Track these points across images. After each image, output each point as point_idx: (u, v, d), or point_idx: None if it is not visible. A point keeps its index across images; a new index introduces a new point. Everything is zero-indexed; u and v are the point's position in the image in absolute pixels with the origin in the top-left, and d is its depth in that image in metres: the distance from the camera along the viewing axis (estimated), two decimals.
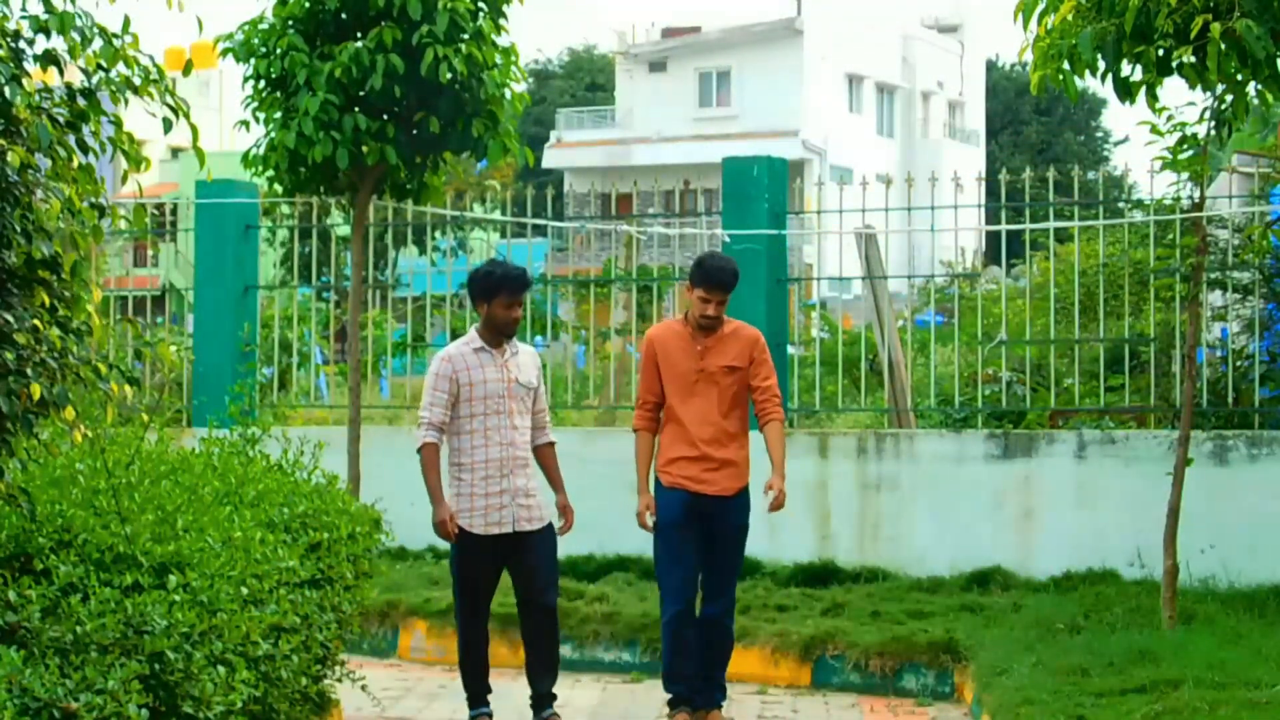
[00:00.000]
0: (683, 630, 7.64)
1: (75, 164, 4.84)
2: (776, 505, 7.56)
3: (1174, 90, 8.07)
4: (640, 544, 10.66)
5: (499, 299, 7.44)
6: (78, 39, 4.78)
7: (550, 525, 7.63)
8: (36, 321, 4.68)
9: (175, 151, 50.18)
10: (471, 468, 7.46)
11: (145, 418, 5.94)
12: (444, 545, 7.54)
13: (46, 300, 4.75)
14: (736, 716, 8.13)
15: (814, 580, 10.53)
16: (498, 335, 7.50)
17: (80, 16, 4.79)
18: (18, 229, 4.64)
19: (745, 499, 7.71)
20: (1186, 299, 9.32)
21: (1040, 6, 7.67)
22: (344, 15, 9.98)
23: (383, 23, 9.74)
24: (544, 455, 7.75)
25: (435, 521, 7.43)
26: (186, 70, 5.32)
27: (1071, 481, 10.61)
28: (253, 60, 10.10)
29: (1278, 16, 7.10)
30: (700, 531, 7.60)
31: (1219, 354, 11.35)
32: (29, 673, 4.05)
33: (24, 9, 4.84)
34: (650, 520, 7.66)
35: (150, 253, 23.95)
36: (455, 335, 13.21)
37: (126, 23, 4.92)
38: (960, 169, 13.34)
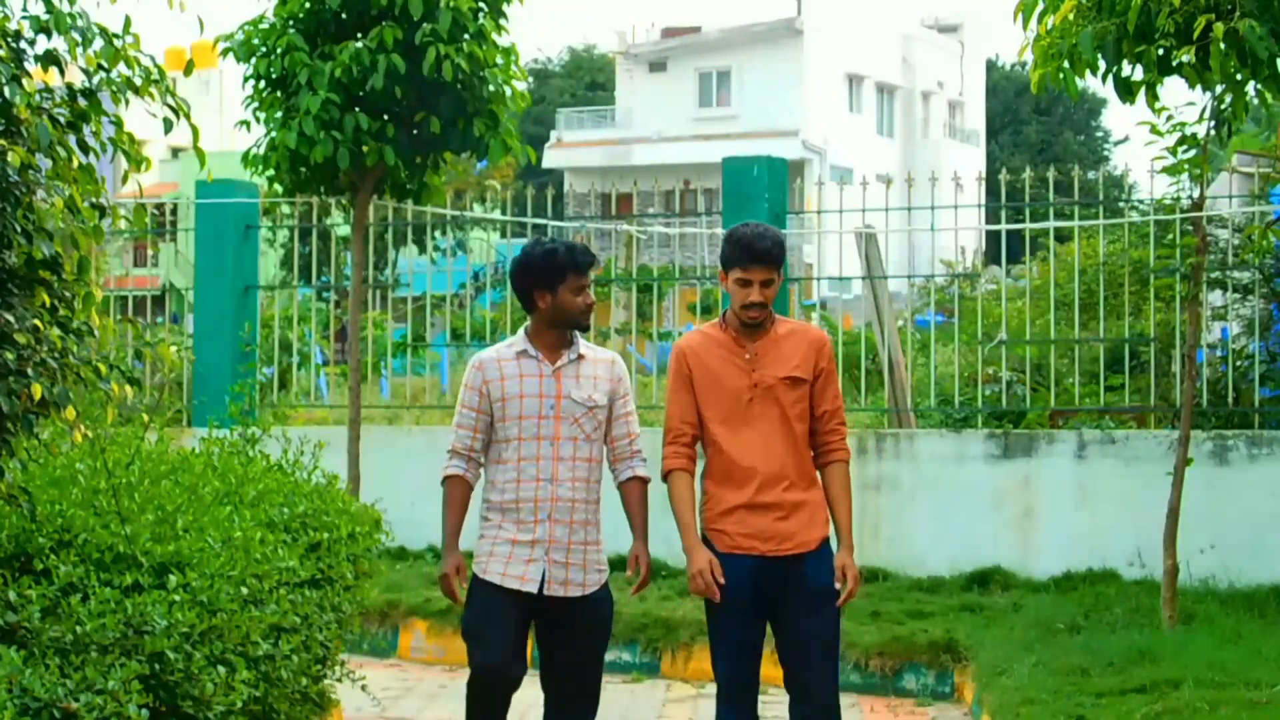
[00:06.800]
0: None
1: (75, 164, 4.84)
2: (848, 595, 5.61)
3: (1174, 90, 8.07)
4: None
5: (568, 283, 5.65)
6: (77, 39, 4.78)
7: (604, 595, 5.76)
8: (37, 321, 4.68)
9: (175, 151, 50.18)
10: (501, 508, 5.64)
11: (145, 418, 5.94)
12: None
13: (47, 300, 4.76)
14: None
15: None
16: (564, 332, 5.72)
17: (80, 17, 4.79)
18: (18, 229, 4.64)
19: (829, 553, 5.67)
20: (1186, 299, 9.32)
21: (1040, 6, 7.67)
22: (345, 15, 9.99)
23: (384, 22, 9.74)
24: (628, 494, 5.84)
25: (438, 574, 5.74)
26: (187, 70, 5.32)
27: (1071, 481, 10.61)
28: (253, 60, 10.11)
29: (1278, 17, 7.10)
30: (772, 606, 5.62)
31: (1219, 354, 11.36)
32: (29, 673, 4.05)
33: (24, 9, 4.84)
34: (715, 580, 5.53)
35: (150, 253, 23.94)
36: (455, 335, 13.22)
37: (127, 23, 4.92)
38: (960, 169, 13.34)
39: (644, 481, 5.84)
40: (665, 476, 5.73)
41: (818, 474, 5.74)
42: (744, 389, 5.64)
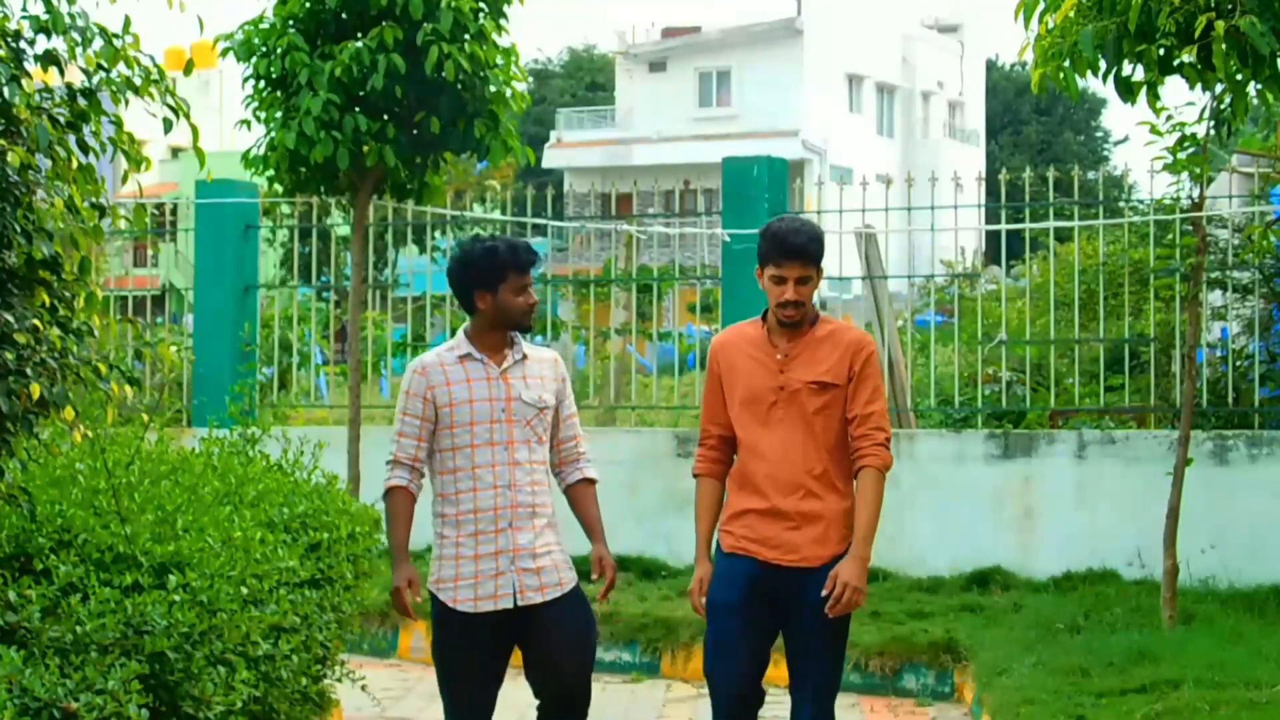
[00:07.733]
0: None
1: (75, 164, 4.83)
2: (839, 606, 5.21)
3: (1174, 90, 8.07)
4: (640, 543, 10.69)
5: (509, 282, 5.38)
6: (77, 39, 4.78)
7: (577, 591, 5.49)
8: (36, 321, 4.68)
9: (175, 151, 50.19)
10: (456, 521, 5.39)
11: (145, 418, 5.94)
12: None
13: (46, 300, 4.76)
14: None
15: None
16: (506, 333, 5.45)
17: (80, 17, 4.79)
18: (18, 229, 4.64)
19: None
20: (1186, 299, 9.31)
21: (1041, 6, 7.66)
22: (345, 15, 9.99)
23: (384, 22, 9.75)
24: (579, 496, 5.64)
25: (391, 588, 5.53)
26: (187, 70, 5.32)
27: (1071, 481, 10.60)
28: (253, 60, 10.12)
29: (1279, 15, 7.09)
30: (774, 617, 5.36)
31: (1219, 354, 11.36)
32: (29, 673, 4.04)
33: (24, 9, 4.84)
34: (703, 600, 5.42)
35: (150, 253, 23.93)
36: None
37: (127, 23, 4.92)
38: (960, 169, 13.33)
39: (593, 483, 5.66)
40: (694, 477, 5.57)
41: (848, 485, 5.36)
42: (769, 390, 5.33)
